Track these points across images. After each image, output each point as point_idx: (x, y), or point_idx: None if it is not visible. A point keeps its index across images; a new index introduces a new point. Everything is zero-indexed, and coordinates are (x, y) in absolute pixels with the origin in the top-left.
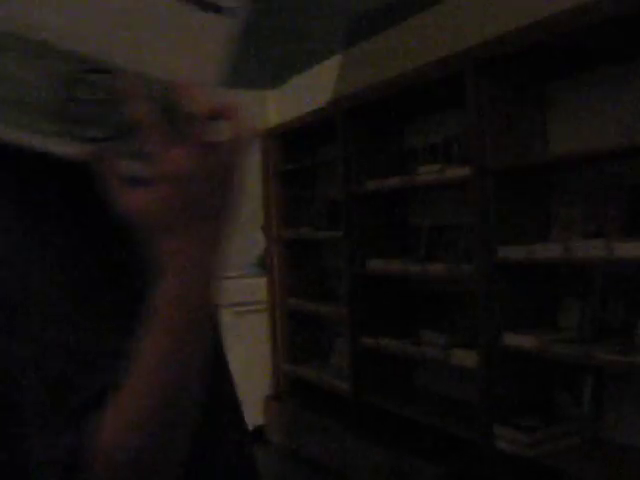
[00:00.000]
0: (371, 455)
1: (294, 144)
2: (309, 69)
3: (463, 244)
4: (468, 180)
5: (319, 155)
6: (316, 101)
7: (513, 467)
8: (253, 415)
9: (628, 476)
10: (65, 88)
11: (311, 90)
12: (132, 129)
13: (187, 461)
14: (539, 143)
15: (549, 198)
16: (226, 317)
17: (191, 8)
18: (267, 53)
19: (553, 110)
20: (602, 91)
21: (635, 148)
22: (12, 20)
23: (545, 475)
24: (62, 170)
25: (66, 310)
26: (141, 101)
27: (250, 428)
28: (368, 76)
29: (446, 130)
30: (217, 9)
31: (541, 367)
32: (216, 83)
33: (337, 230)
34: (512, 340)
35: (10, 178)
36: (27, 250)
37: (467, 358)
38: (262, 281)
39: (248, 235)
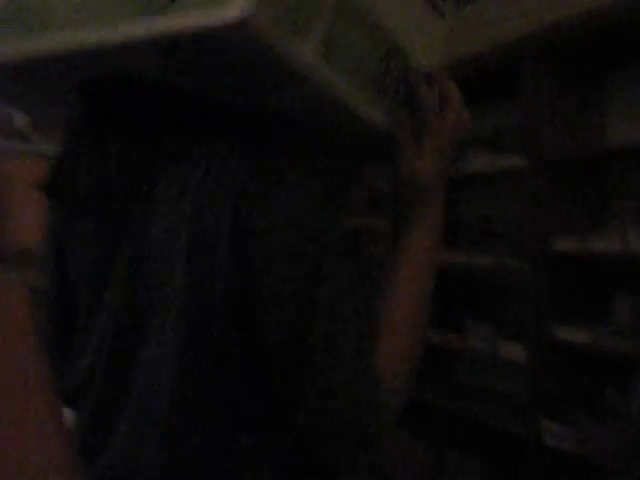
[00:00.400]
0: (411, 449)
1: None
2: None
3: (512, 235)
4: (522, 171)
5: None
6: None
7: (560, 464)
8: None
9: None
10: (385, 62)
11: None
12: (418, 104)
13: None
14: (597, 133)
15: (605, 190)
16: None
17: (432, 12)
18: None
19: (612, 100)
20: None
21: None
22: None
23: (593, 473)
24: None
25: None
26: (424, 82)
27: None
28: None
29: (494, 121)
30: (442, 14)
31: (591, 362)
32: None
33: (378, 218)
34: (562, 333)
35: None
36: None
37: (514, 351)
38: None
39: None
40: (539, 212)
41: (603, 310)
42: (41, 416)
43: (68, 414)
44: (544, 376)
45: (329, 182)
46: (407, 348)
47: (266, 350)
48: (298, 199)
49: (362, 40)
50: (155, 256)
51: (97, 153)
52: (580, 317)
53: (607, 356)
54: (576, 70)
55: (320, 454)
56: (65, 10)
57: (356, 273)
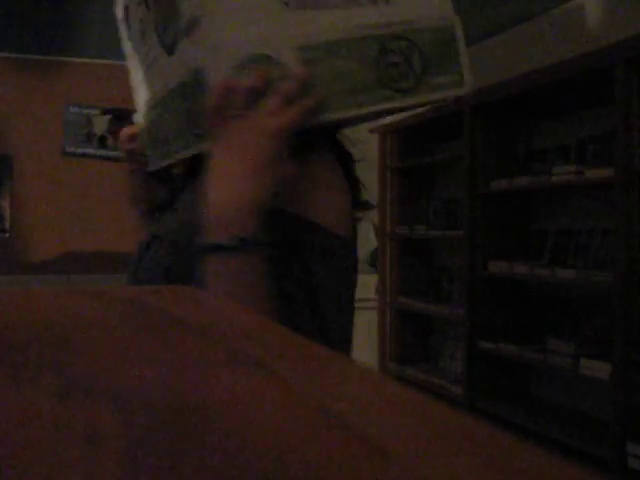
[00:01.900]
0: None
1: (412, 141)
2: None
3: (598, 249)
4: (611, 182)
5: (438, 153)
6: None
7: None
8: None
9: None
10: (380, 59)
11: None
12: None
13: None
14: None
15: None
16: None
17: None
18: None
19: None
20: None
21: None
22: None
23: None
24: None
25: None
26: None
27: None
28: (497, 72)
29: (579, 131)
30: None
31: None
32: None
33: (454, 229)
34: None
35: None
36: None
37: (598, 369)
38: (372, 278)
39: (360, 231)
40: (628, 225)
41: None
42: None
43: None
44: (630, 396)
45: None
46: None
47: None
48: None
49: (349, 63)
50: None
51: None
52: None
53: None
54: None
55: None
56: None
57: None
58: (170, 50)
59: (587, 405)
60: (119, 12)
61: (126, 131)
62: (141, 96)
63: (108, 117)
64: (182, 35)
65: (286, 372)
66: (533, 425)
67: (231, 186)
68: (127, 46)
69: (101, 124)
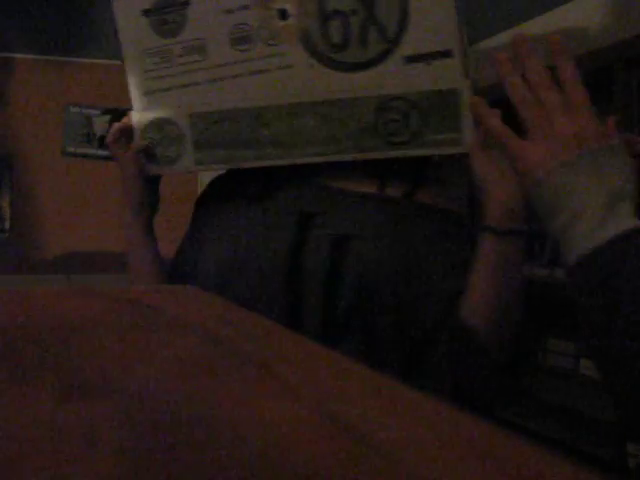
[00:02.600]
0: None
1: None
2: None
3: None
4: None
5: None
6: None
7: None
8: None
9: None
10: (375, 117)
11: None
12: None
13: None
14: None
15: None
16: None
17: None
18: None
19: None
20: None
21: None
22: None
23: None
24: None
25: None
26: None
27: None
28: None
29: None
30: None
31: None
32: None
33: None
34: None
35: None
36: None
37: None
38: None
39: None
40: None
41: None
42: None
43: None
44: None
45: None
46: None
47: None
48: None
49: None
50: None
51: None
52: None
53: None
54: None
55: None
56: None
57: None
58: (363, 66)
59: (587, 405)
60: (143, 4)
61: (118, 126)
62: (167, 98)
63: (108, 117)
64: (391, 55)
65: (287, 372)
66: (533, 425)
67: (515, 186)
68: (148, 41)
69: (101, 124)
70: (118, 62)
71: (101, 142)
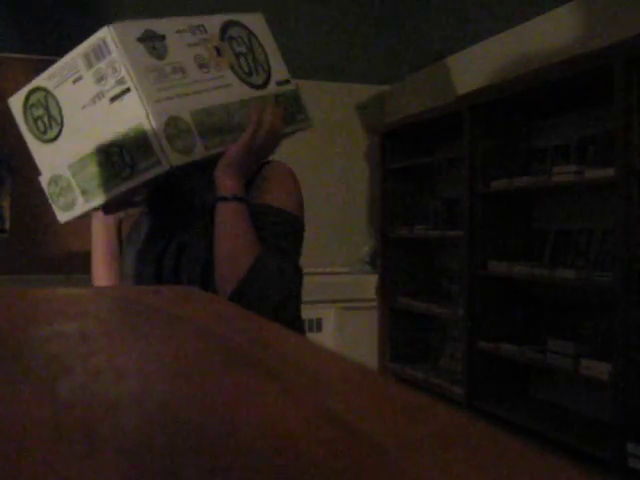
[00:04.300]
0: None
1: (412, 141)
2: (430, 65)
3: (598, 249)
4: (611, 182)
5: (437, 153)
6: (436, 98)
7: None
8: None
9: None
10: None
11: (432, 87)
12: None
13: None
14: None
15: None
16: (334, 313)
17: None
18: (387, 48)
19: None
20: None
21: None
22: None
23: None
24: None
25: None
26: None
27: None
28: (497, 72)
29: (578, 130)
30: None
31: None
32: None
33: (454, 229)
34: None
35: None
36: None
37: (599, 370)
38: (372, 279)
39: (360, 232)
40: (628, 225)
41: None
42: None
43: None
44: (631, 397)
45: None
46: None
47: None
48: None
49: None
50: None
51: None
52: None
53: None
54: None
55: None
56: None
57: None
58: (256, 87)
59: (587, 405)
60: (135, 33)
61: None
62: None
63: None
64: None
65: (287, 372)
66: (533, 425)
67: (233, 175)
68: (147, 62)
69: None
70: None
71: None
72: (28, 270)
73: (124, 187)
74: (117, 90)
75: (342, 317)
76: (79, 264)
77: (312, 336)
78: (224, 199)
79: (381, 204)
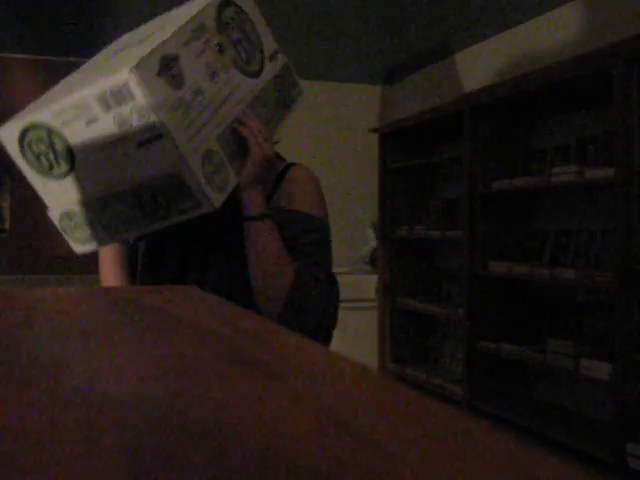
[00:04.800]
0: None
1: (412, 141)
2: (430, 65)
3: (598, 249)
4: (611, 182)
5: (437, 153)
6: (436, 98)
7: None
8: None
9: None
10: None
11: (432, 86)
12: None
13: None
14: None
15: None
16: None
17: None
18: (386, 49)
19: None
20: None
21: None
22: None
23: None
24: None
25: None
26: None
27: None
28: (497, 72)
29: (578, 131)
30: None
31: None
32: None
33: (454, 229)
34: None
35: None
36: None
37: (598, 369)
38: (372, 279)
39: (360, 232)
40: (628, 225)
41: None
42: None
43: None
44: (631, 397)
45: None
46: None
47: None
48: None
49: None
50: None
51: None
52: None
53: None
54: None
55: None
56: None
57: None
58: (256, 75)
59: (587, 405)
60: (153, 67)
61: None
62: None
63: None
64: (267, 62)
65: (286, 372)
66: (533, 425)
67: (257, 193)
68: (169, 97)
69: None
70: None
71: None
72: (28, 270)
73: (157, 226)
74: (146, 135)
75: (342, 317)
76: (79, 264)
77: None
78: (253, 219)
79: (381, 204)
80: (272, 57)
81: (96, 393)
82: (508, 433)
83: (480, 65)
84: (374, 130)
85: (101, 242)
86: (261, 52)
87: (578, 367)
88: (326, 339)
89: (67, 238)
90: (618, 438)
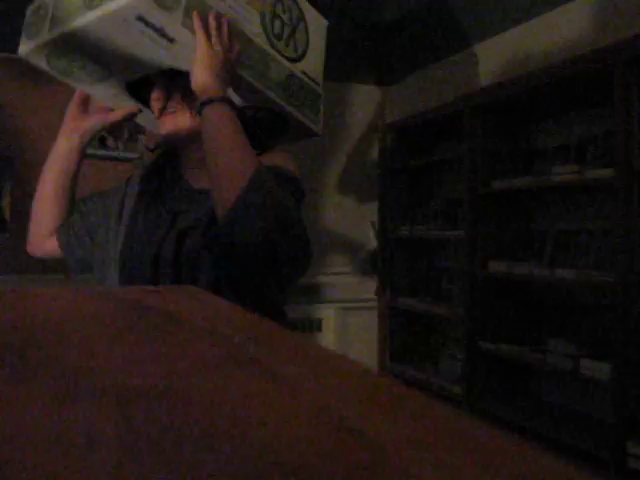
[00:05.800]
0: None
1: (412, 141)
2: (431, 65)
3: (598, 249)
4: (611, 182)
5: (437, 153)
6: (437, 98)
7: None
8: None
9: None
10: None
11: (434, 86)
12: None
13: None
14: None
15: None
16: (334, 313)
17: None
18: (388, 48)
19: None
20: None
21: None
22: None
23: None
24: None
25: None
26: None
27: None
28: (497, 72)
29: (578, 131)
30: None
31: None
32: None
33: (454, 229)
34: None
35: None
36: None
37: (598, 369)
38: (372, 279)
39: (360, 232)
40: (628, 225)
41: None
42: None
43: None
44: (630, 396)
45: None
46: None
47: None
48: None
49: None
50: None
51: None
52: None
53: None
54: None
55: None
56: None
57: None
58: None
59: (587, 405)
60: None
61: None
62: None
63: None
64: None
65: (286, 372)
66: (533, 425)
67: (215, 79)
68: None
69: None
70: None
71: (101, 142)
72: (28, 270)
73: (91, 16)
74: None
75: (342, 317)
76: None
77: (312, 336)
78: (210, 101)
79: (381, 204)
80: (309, 78)
81: (96, 393)
82: (508, 433)
83: (480, 65)
84: (374, 130)
85: (43, 37)
86: (301, 55)
87: (578, 367)
88: (291, 276)
89: (22, 38)
90: (618, 438)
